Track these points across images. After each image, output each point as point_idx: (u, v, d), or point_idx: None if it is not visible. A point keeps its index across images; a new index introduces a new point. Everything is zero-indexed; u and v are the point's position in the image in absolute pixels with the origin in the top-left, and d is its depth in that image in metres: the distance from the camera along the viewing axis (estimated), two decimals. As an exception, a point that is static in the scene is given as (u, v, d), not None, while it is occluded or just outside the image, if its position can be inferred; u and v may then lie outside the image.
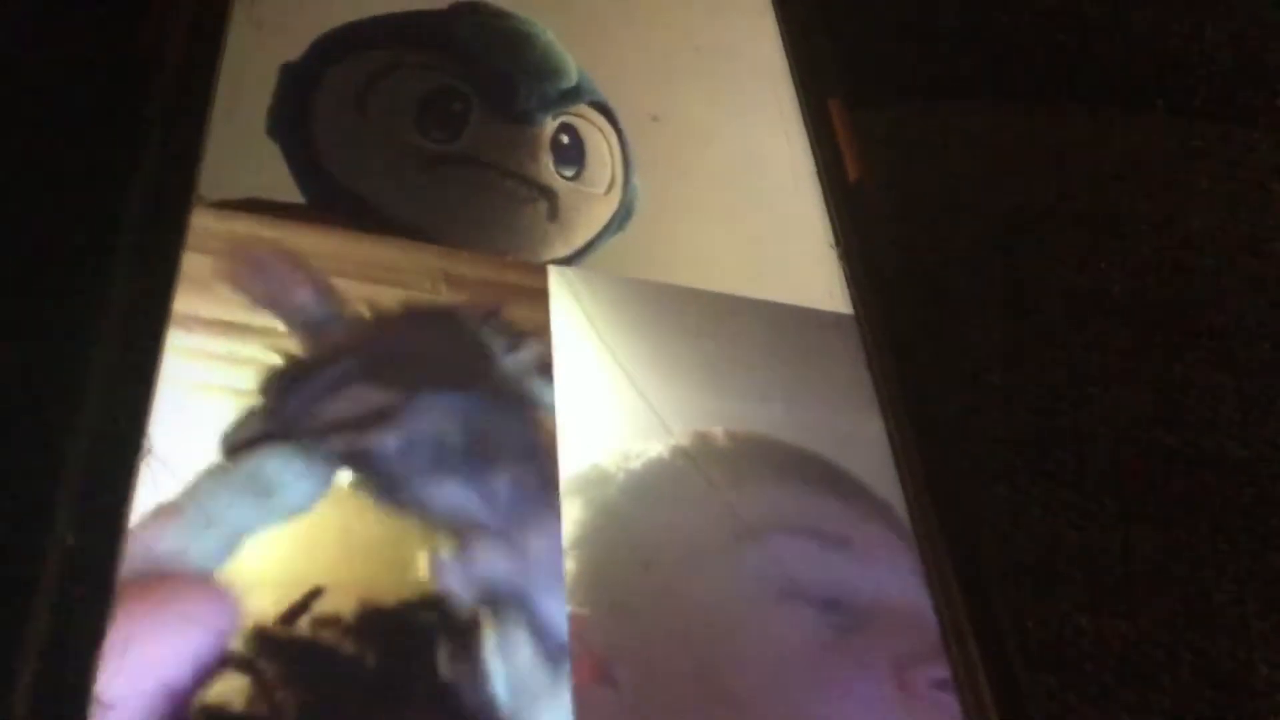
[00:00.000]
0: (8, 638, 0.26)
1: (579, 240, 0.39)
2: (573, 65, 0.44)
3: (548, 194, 0.40)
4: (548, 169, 0.41)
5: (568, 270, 0.38)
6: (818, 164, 0.44)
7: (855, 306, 0.40)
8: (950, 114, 0.52)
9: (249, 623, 0.28)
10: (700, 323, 0.38)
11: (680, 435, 0.35)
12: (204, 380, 0.32)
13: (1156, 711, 0.36)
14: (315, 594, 0.29)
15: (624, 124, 0.43)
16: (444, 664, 0.28)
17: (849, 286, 0.41)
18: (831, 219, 0.43)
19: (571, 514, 0.32)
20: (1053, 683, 0.37)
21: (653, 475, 0.34)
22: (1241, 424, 0.43)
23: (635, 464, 0.34)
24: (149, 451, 0.30)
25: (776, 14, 0.49)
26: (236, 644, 0.27)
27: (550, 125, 0.42)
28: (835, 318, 0.40)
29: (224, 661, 0.27)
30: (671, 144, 0.44)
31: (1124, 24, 0.56)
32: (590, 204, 0.41)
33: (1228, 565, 0.40)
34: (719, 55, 0.48)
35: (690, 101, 0.45)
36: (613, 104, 0.44)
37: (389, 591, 0.29)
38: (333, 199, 0.37)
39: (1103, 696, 0.37)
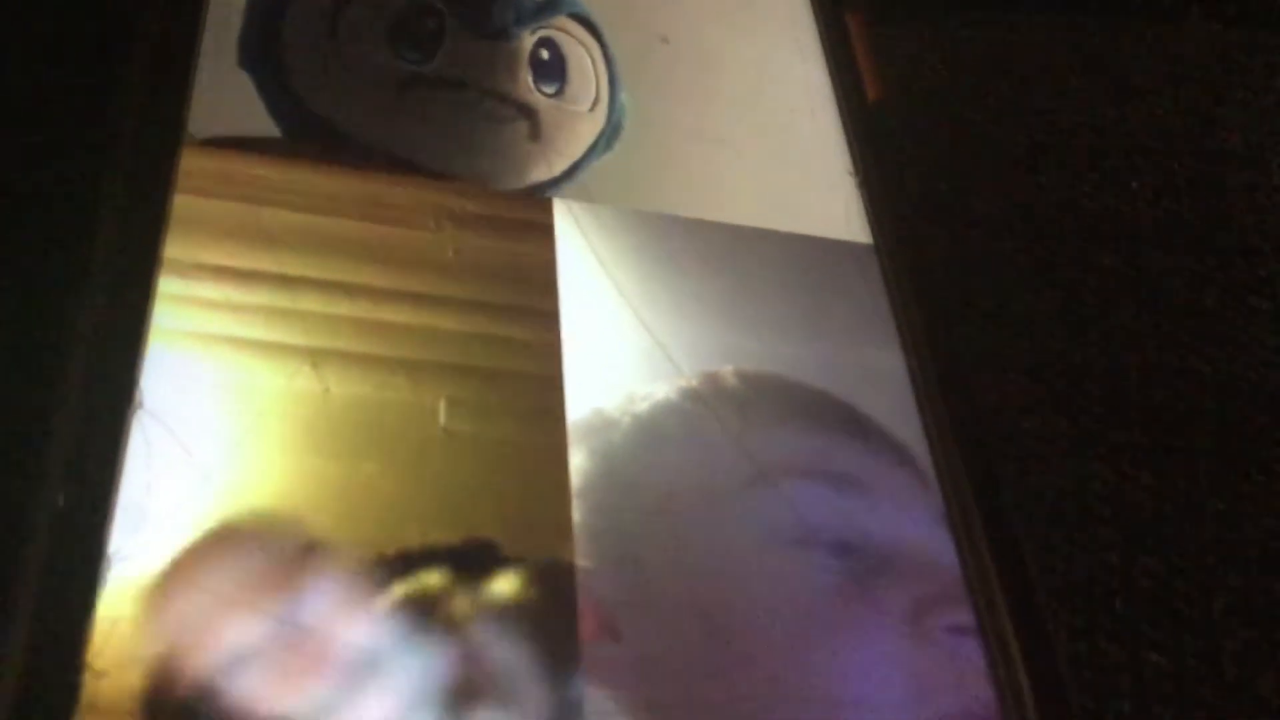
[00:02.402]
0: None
1: (564, 161, 0.38)
2: None
3: (528, 112, 0.38)
4: (527, 86, 0.39)
5: (574, 204, 0.37)
6: (835, 85, 0.42)
7: (874, 236, 0.39)
8: (972, 30, 0.49)
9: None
10: (711, 256, 0.37)
11: (689, 375, 0.34)
12: (197, 329, 0.31)
13: (1188, 650, 0.35)
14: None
15: (633, 46, 0.41)
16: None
17: (868, 215, 0.39)
18: (850, 144, 0.41)
19: (576, 462, 0.31)
20: (1080, 623, 0.36)
21: (660, 419, 0.33)
22: (1278, 349, 0.41)
23: (641, 407, 0.33)
24: (140, 406, 0.29)
25: (791, -75, 0.47)
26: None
27: (528, 40, 0.40)
28: (853, 248, 0.39)
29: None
30: (681, 66, 0.42)
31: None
32: (574, 122, 0.39)
33: (1262, 497, 0.38)
34: (731, -29, 0.45)
35: (701, 20, 0.44)
36: (620, 25, 0.42)
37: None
38: (307, 129, 0.36)
39: (1131, 636, 0.36)
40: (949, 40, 0.49)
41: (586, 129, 0.39)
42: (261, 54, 0.37)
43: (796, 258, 0.38)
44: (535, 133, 0.38)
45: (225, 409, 0.30)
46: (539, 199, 0.37)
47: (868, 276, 0.38)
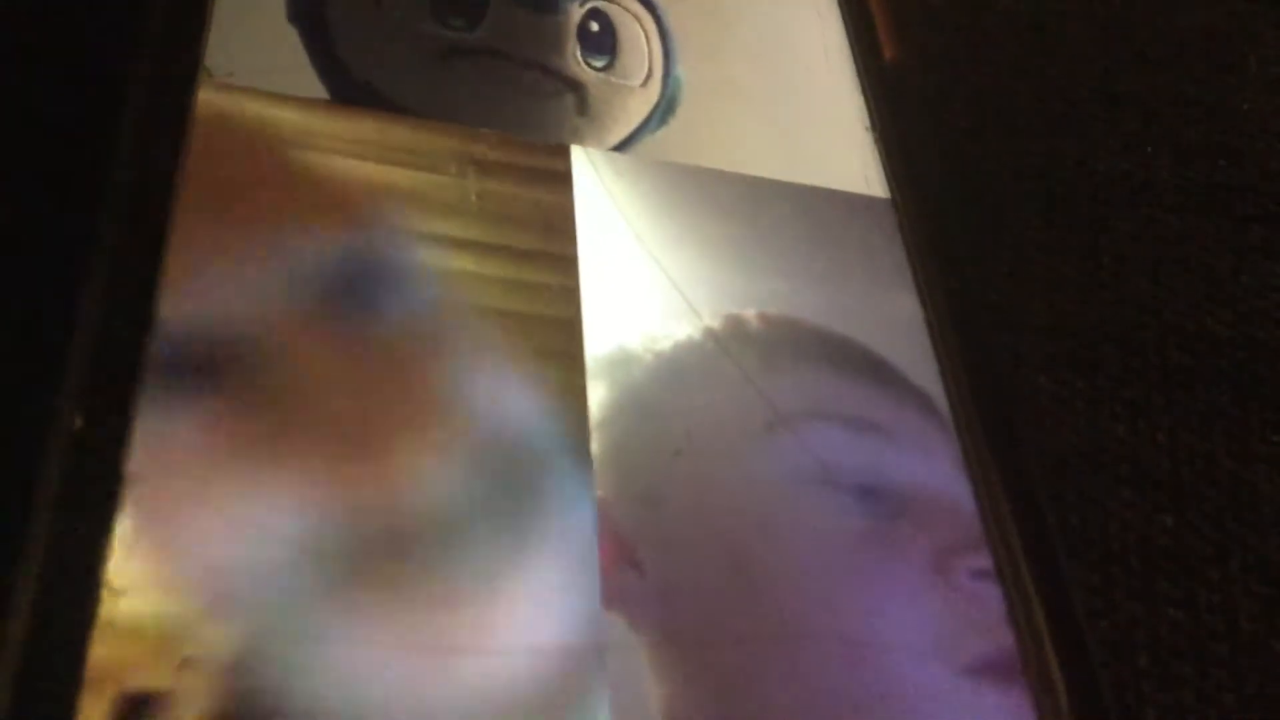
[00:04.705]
0: (11, 528, 0.25)
1: (614, 136, 0.37)
2: None
3: (574, 86, 0.38)
4: (574, 59, 0.39)
5: (592, 151, 0.36)
6: (851, 42, 0.42)
7: (892, 191, 0.39)
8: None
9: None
10: (730, 207, 0.37)
11: (710, 317, 0.34)
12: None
13: (1203, 607, 0.35)
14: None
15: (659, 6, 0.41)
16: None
17: (885, 170, 0.39)
18: (867, 100, 0.41)
19: (597, 395, 0.31)
20: (1096, 579, 0.35)
21: (682, 358, 0.33)
22: (1294, 313, 0.41)
23: (664, 345, 0.33)
24: (161, 328, 0.29)
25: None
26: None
27: (577, 11, 0.40)
28: (871, 202, 0.38)
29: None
30: (697, 22, 0.42)
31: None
32: (624, 97, 0.38)
33: (1278, 457, 0.38)
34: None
35: (718, -23, 0.44)
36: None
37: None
38: (351, 93, 0.35)
39: (1147, 592, 0.35)
40: (967, 1, 0.49)
41: (637, 104, 0.38)
42: (307, 12, 0.36)
43: (814, 210, 0.38)
44: (582, 107, 0.38)
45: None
46: (558, 147, 0.36)
47: (885, 231, 0.38)
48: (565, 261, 0.34)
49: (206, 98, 0.33)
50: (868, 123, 0.40)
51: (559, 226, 0.35)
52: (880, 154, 0.39)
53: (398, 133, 0.35)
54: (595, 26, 0.39)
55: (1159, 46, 0.48)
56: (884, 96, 0.41)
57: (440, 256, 0.33)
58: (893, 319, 0.36)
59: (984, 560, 0.31)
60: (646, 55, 0.40)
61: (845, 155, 0.39)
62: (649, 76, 0.39)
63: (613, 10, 0.40)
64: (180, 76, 0.33)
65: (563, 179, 0.36)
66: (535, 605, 0.27)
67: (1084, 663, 0.31)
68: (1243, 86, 0.47)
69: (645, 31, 0.40)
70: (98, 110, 0.32)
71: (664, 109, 0.39)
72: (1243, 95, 0.47)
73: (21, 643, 0.24)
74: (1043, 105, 0.45)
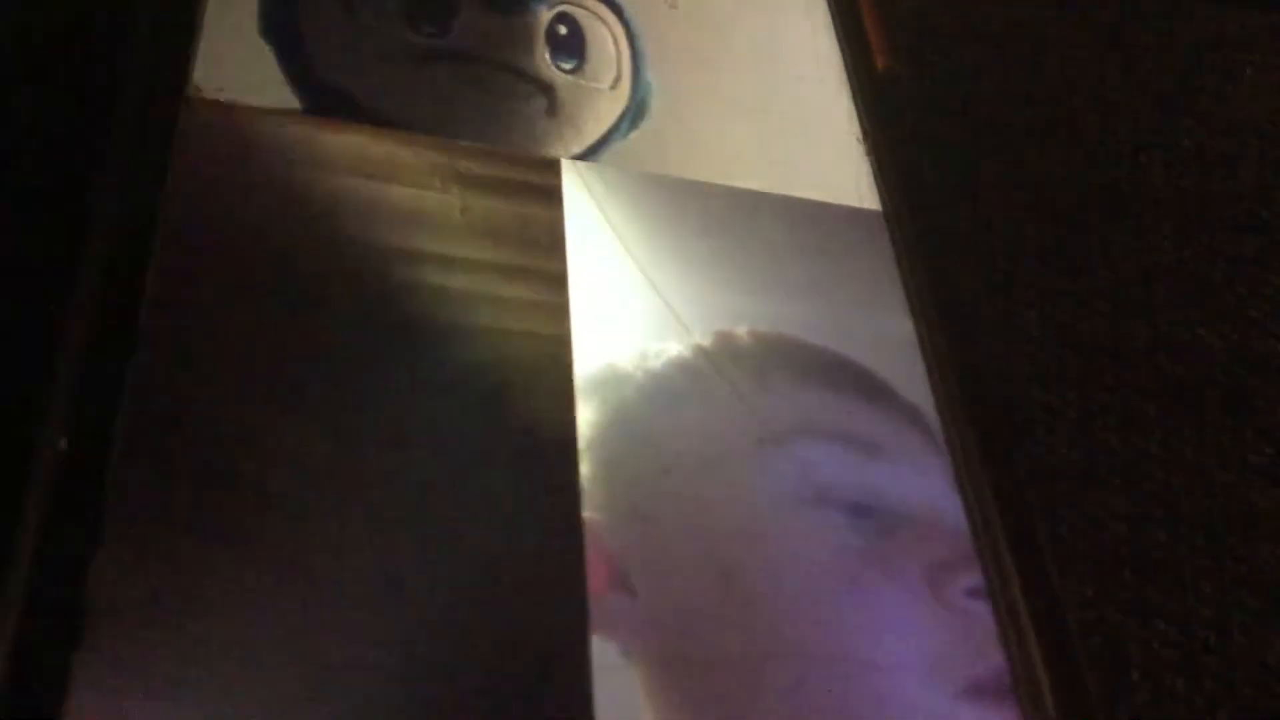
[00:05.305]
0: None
1: (586, 139, 0.37)
2: None
3: (544, 88, 0.38)
4: (544, 62, 0.39)
5: (581, 165, 0.36)
6: (843, 52, 0.42)
7: (884, 202, 0.39)
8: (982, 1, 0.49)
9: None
10: (721, 220, 0.37)
11: (701, 334, 0.34)
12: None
13: (1196, 620, 0.35)
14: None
15: (640, 11, 0.41)
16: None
17: (877, 182, 0.39)
18: (858, 111, 0.41)
19: (586, 415, 0.31)
20: (1089, 592, 0.35)
21: (672, 375, 0.32)
22: (1287, 323, 0.41)
23: (654, 363, 0.32)
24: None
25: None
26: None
27: (545, 15, 0.40)
28: (863, 214, 0.38)
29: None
30: (690, 32, 0.42)
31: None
32: (594, 100, 0.38)
33: (1272, 469, 0.38)
34: (739, -63, 0.45)
35: (709, -14, 0.43)
36: (628, -10, 0.41)
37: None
38: (326, 102, 0.35)
39: (1141, 605, 0.35)
40: (959, 11, 0.48)
41: (607, 107, 0.38)
42: (280, 24, 0.36)
43: (806, 223, 0.37)
44: (553, 109, 0.38)
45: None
46: (547, 160, 0.36)
47: (877, 243, 0.38)
48: (554, 277, 0.34)
49: (194, 113, 0.33)
50: (859, 134, 0.40)
51: (548, 242, 0.34)
52: (872, 166, 0.39)
53: (382, 147, 0.35)
54: (564, 30, 0.40)
55: (1153, 55, 0.48)
56: (876, 107, 0.41)
57: (424, 271, 0.33)
58: (884, 333, 0.35)
59: (977, 578, 0.31)
60: (615, 58, 0.40)
61: (837, 167, 0.39)
62: (618, 79, 0.39)
63: (580, 14, 0.40)
64: (168, 93, 0.33)
65: (552, 193, 0.36)
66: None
67: (1076, 678, 0.30)
68: (1238, 94, 0.47)
69: (613, 35, 0.40)
70: (85, 128, 0.32)
71: (634, 112, 0.39)
72: (1238, 103, 0.47)
73: (5, 660, 0.24)
74: (1035, 115, 0.45)
